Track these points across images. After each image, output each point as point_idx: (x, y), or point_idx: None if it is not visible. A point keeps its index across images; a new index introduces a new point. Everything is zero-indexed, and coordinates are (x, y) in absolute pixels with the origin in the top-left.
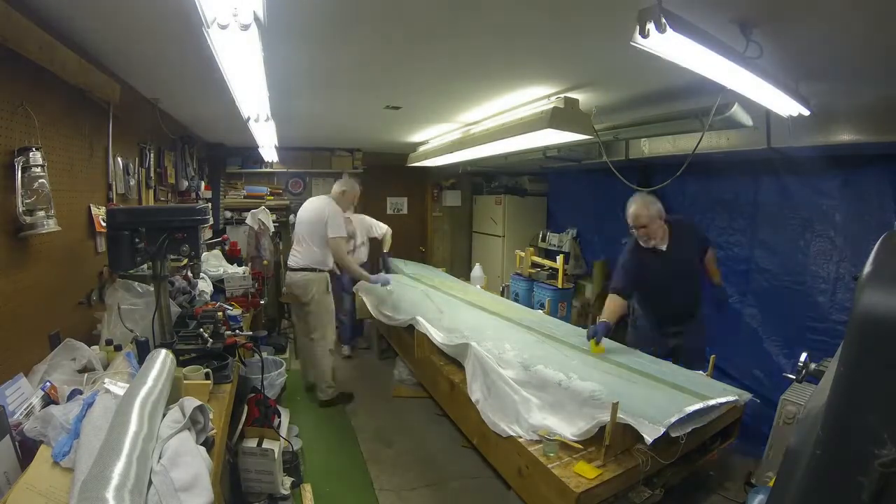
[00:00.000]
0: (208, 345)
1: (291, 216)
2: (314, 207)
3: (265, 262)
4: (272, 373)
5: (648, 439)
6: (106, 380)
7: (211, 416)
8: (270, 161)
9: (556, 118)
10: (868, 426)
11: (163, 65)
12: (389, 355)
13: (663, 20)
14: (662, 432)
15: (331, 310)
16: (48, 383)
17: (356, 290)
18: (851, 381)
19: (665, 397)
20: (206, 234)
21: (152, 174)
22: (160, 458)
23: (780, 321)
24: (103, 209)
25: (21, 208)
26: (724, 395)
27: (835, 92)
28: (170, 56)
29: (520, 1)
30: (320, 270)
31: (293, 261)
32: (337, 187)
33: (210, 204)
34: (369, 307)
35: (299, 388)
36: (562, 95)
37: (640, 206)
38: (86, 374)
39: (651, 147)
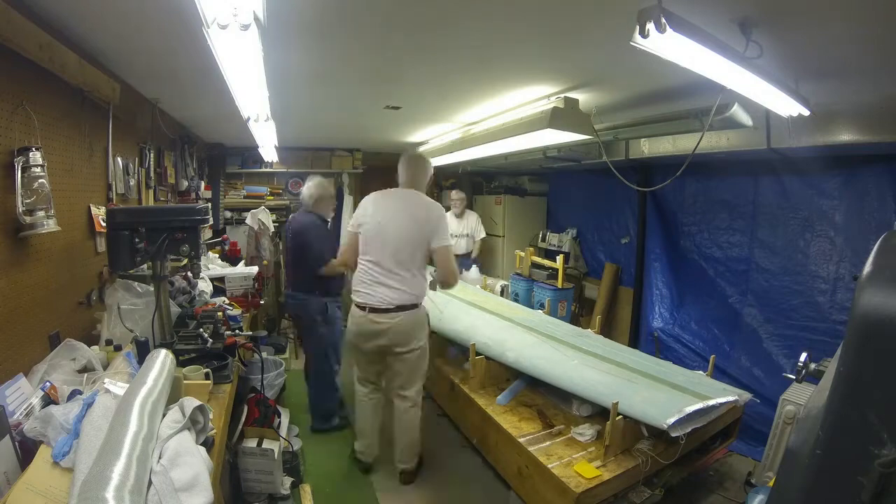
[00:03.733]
0: (208, 345)
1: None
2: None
3: (265, 262)
4: (272, 373)
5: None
6: (106, 380)
7: (211, 416)
8: (270, 161)
9: (556, 118)
10: (868, 426)
11: (163, 65)
12: None
13: (663, 20)
14: (664, 429)
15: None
16: (48, 383)
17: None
18: (851, 381)
19: (665, 397)
20: (206, 234)
21: (152, 174)
22: (160, 458)
23: (779, 321)
24: (103, 209)
25: (21, 208)
26: (724, 395)
27: (835, 92)
28: (170, 56)
29: (520, 1)
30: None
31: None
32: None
33: (210, 204)
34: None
35: (299, 388)
36: (562, 95)
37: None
38: (86, 374)
39: (651, 147)
